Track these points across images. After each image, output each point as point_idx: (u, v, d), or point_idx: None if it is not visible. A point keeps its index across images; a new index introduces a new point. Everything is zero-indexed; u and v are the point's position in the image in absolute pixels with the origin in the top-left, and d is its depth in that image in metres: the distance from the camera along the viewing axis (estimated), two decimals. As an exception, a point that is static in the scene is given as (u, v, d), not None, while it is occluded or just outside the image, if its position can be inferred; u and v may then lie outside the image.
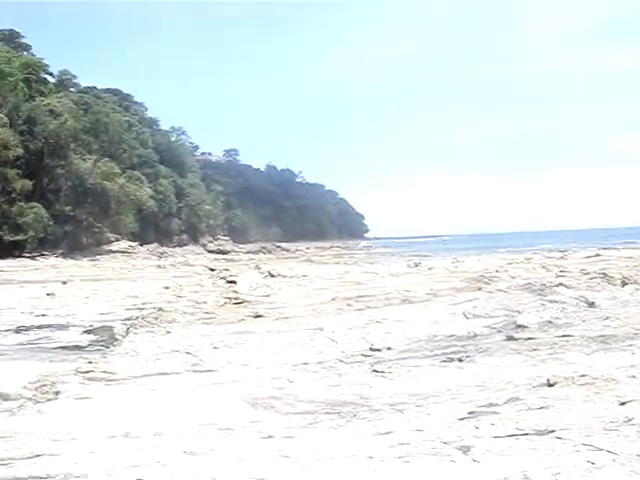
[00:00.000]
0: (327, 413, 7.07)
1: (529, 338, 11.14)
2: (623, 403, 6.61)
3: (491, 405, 6.97)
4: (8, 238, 56.56)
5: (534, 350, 10.08)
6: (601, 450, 5.14)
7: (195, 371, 9.92)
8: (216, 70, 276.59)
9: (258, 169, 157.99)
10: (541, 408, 6.63)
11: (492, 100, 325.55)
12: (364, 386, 8.43)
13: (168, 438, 5.87)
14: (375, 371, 9.21)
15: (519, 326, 12.22)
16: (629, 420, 5.96)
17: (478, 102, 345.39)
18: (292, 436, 5.89)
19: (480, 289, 17.43)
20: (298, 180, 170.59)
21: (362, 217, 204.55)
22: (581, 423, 5.98)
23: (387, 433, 5.89)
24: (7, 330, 16.10)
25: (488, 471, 4.80)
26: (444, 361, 9.75)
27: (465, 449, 5.29)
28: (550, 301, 13.83)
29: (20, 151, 59.77)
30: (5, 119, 60.39)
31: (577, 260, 34.66)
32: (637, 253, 39.38)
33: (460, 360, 9.70)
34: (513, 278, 20.50)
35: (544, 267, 26.38)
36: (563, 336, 11.15)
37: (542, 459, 5.00)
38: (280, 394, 8.14)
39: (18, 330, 16.15)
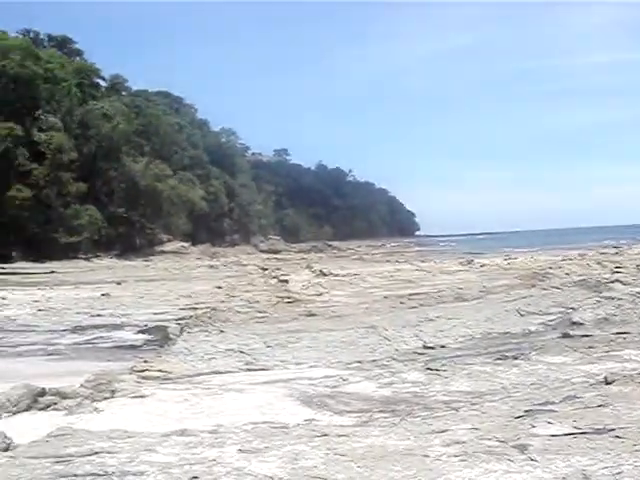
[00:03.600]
0: (381, 411, 7.05)
1: (585, 335, 10.98)
2: (684, 401, 6.48)
3: (548, 403, 6.88)
4: (63, 240, 57.54)
5: (590, 347, 9.93)
6: (662, 449, 5.04)
7: (249, 370, 9.97)
8: (265, 70, 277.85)
9: (308, 168, 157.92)
10: (599, 406, 6.52)
11: (541, 95, 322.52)
12: (418, 384, 8.39)
13: (223, 436, 5.90)
14: (429, 369, 9.16)
15: (574, 323, 12.05)
16: (691, 418, 5.83)
17: (527, 97, 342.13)
18: (346, 434, 5.87)
19: (534, 286, 17.20)
20: (348, 179, 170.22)
21: (413, 215, 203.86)
22: (641, 421, 5.87)
23: (442, 431, 5.84)
24: (64, 330, 16.38)
25: (546, 470, 4.73)
26: (499, 359, 9.65)
27: (522, 448, 5.22)
28: (606, 297, 13.59)
29: (74, 155, 60.84)
30: (59, 123, 61.50)
31: (633, 256, 34.04)
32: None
33: (515, 358, 9.60)
34: (567, 274, 20.21)
35: (599, 263, 25.96)
36: (620, 333, 10.96)
37: (601, 458, 4.91)
38: (334, 392, 8.14)
39: (75, 330, 16.43)
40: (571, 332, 11.31)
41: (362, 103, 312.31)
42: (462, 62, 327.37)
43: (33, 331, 16.44)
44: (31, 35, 75.45)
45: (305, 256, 66.76)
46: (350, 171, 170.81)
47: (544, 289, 16.01)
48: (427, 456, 5.15)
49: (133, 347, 14.10)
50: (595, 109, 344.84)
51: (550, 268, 23.63)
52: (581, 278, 17.28)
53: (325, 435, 5.85)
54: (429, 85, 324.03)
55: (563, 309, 13.28)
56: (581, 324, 11.95)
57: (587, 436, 5.49)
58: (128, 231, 67.66)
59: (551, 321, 12.56)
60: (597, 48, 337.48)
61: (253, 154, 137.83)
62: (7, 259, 50.63)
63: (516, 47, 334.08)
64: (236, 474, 4.86)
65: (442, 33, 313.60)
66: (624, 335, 10.79)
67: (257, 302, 18.30)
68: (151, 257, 61.87)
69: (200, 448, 5.54)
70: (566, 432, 5.64)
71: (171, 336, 14.03)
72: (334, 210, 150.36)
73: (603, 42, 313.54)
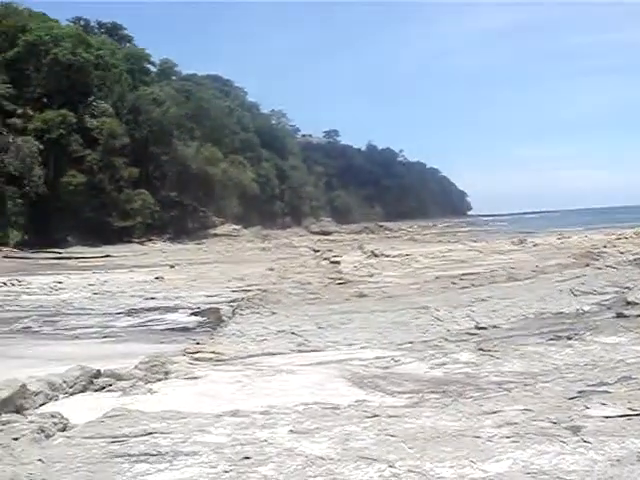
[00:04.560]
0: (433, 392, 7.03)
1: (640, 315, 10.79)
2: None
3: (602, 384, 6.78)
4: (117, 224, 58.32)
5: (646, 328, 9.76)
6: None
7: (300, 351, 10.01)
8: (314, 52, 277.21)
9: (359, 149, 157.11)
10: (655, 387, 6.42)
11: (590, 71, 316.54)
12: (470, 365, 8.34)
13: (275, 417, 5.94)
14: (481, 350, 9.10)
15: (629, 303, 11.84)
16: None
17: (576, 73, 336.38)
18: (398, 415, 5.86)
19: (588, 265, 16.98)
20: (399, 159, 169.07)
21: (464, 194, 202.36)
22: (698, 402, 5.76)
23: (494, 412, 5.80)
24: (119, 313, 16.65)
25: (600, 452, 4.67)
26: (552, 339, 9.55)
27: (575, 429, 5.16)
28: (662, 277, 13.36)
29: (126, 140, 61.52)
30: (111, 109, 62.22)
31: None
32: None
33: (569, 338, 9.49)
34: (622, 253, 19.90)
35: (655, 241, 25.49)
36: (677, 313, 10.75)
37: (657, 440, 4.83)
38: (385, 373, 8.14)
39: (129, 313, 16.69)
40: (626, 312, 11.12)
41: (411, 83, 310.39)
42: (511, 40, 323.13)
43: (89, 314, 16.73)
44: (82, 23, 76.38)
45: (356, 237, 66.66)
46: (401, 151, 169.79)
47: (598, 268, 15.79)
48: (479, 437, 5.12)
49: (186, 329, 14.27)
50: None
51: (604, 247, 23.32)
52: (636, 257, 17.00)
53: (376, 416, 5.85)
54: (478, 63, 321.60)
55: (618, 289, 13.08)
56: (636, 304, 11.73)
57: (642, 417, 5.41)
58: (180, 214, 68.24)
59: (605, 301, 12.37)
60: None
61: (303, 136, 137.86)
62: (63, 244, 51.50)
63: (566, 22, 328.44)
64: (287, 454, 4.89)
65: (490, 11, 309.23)
66: (681, 315, 10.59)
67: (309, 284, 18.37)
68: (203, 240, 62.40)
69: (252, 429, 5.59)
70: (620, 413, 5.56)
71: (223, 318, 14.17)
72: (385, 190, 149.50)
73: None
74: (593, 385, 6.76)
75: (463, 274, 17.86)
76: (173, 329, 14.36)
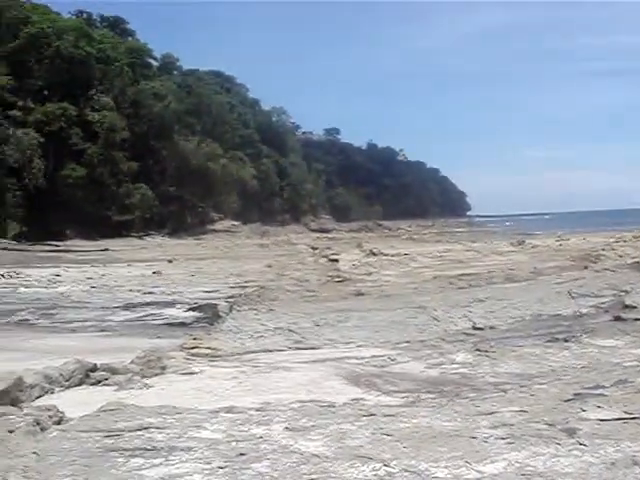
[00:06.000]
0: (429, 392, 7.03)
1: (637, 319, 10.79)
2: None
3: (598, 387, 6.78)
4: (116, 218, 58.34)
5: (643, 331, 9.76)
6: None
7: (297, 348, 10.01)
8: (316, 50, 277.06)
9: (359, 147, 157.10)
10: (651, 391, 6.41)
11: (601, 72, 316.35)
12: (467, 365, 8.34)
13: (271, 414, 5.93)
14: (478, 350, 9.10)
15: (627, 306, 11.84)
16: None
17: (586, 74, 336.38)
18: (393, 414, 5.86)
19: (586, 268, 16.99)
20: (399, 158, 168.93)
21: (464, 195, 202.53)
22: (694, 406, 5.75)
23: (490, 413, 5.80)
24: (116, 307, 16.60)
25: (595, 455, 4.66)
26: (549, 341, 9.55)
27: (571, 432, 5.16)
28: (661, 280, 13.36)
29: (126, 134, 61.55)
30: (112, 103, 62.23)
31: (689, 238, 33.27)
32: None
33: (566, 340, 9.48)
34: (621, 257, 19.89)
35: (654, 245, 25.47)
36: (674, 317, 10.75)
37: (652, 444, 4.82)
38: (382, 372, 8.13)
39: (127, 307, 16.64)
40: (623, 315, 11.13)
41: (414, 83, 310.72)
42: (514, 40, 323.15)
43: (86, 308, 16.69)
44: (84, 16, 76.28)
45: (355, 235, 66.72)
46: (401, 150, 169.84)
47: (596, 271, 15.80)
48: (474, 438, 5.12)
49: (183, 324, 14.23)
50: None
51: (603, 250, 23.28)
52: (635, 260, 17.00)
53: (372, 415, 5.84)
54: (480, 64, 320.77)
55: (616, 292, 13.08)
56: (634, 307, 11.73)
57: (638, 421, 5.40)
58: (179, 210, 68.29)
59: (603, 304, 12.37)
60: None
61: (304, 133, 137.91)
62: (61, 237, 51.51)
63: (563, 24, 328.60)
64: (282, 452, 4.88)
65: (491, 11, 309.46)
66: (678, 319, 10.59)
67: (307, 281, 18.36)
68: (202, 235, 62.45)
69: (247, 425, 5.58)
70: (616, 417, 5.55)
71: (221, 314, 14.14)
72: (385, 189, 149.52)
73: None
74: (589, 388, 6.76)
75: (461, 274, 17.86)
76: (170, 324, 14.33)
